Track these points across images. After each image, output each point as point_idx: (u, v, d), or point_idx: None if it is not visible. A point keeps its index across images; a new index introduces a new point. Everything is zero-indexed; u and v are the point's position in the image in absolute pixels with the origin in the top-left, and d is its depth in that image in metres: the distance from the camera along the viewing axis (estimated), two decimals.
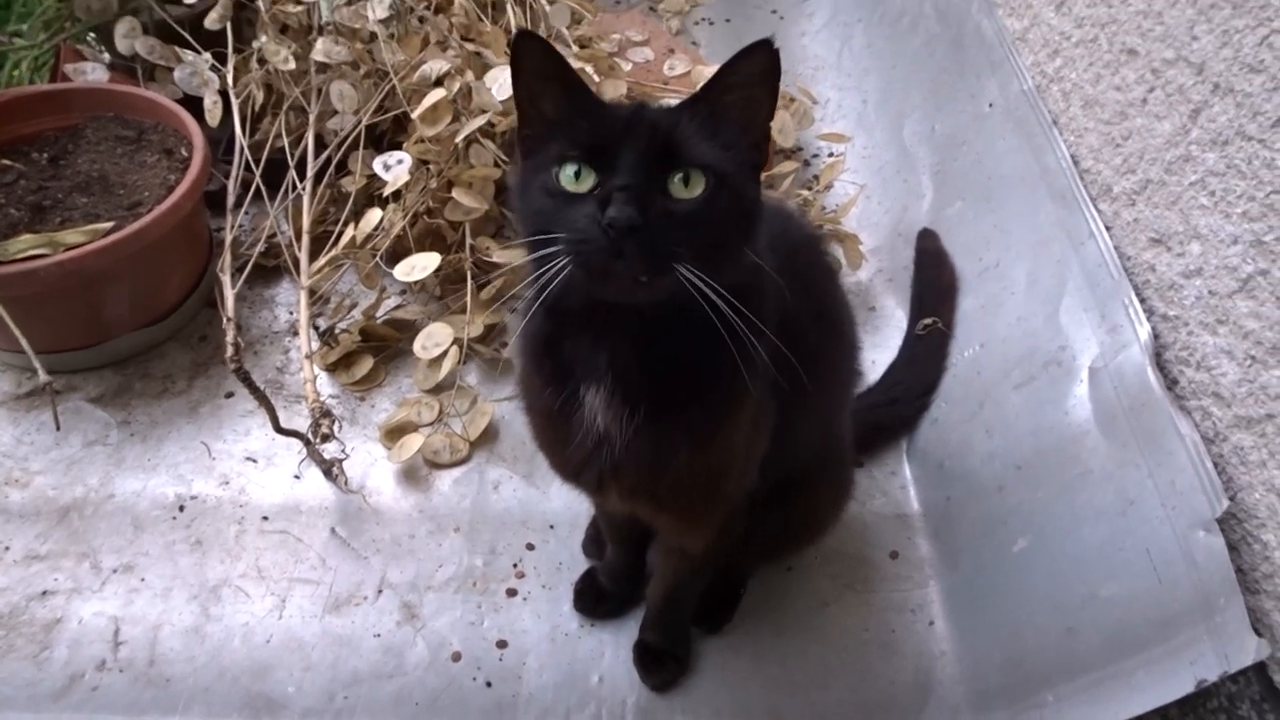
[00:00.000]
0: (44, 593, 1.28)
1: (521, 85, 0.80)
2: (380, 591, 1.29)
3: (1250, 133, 1.02)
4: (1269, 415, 0.98)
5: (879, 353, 1.55)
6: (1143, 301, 1.19)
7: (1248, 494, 1.02)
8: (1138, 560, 1.05)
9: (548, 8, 1.78)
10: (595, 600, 1.27)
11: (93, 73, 1.69)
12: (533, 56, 0.78)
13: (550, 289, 0.75)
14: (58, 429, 1.38)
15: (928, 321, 1.46)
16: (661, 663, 1.21)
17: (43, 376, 1.20)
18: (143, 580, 1.29)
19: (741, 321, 0.74)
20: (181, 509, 1.38)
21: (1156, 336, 1.16)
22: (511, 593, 1.30)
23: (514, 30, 1.71)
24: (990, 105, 1.59)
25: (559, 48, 1.74)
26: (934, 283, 1.52)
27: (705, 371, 0.81)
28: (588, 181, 0.75)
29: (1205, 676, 0.94)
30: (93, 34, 1.79)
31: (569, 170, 0.76)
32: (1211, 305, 1.07)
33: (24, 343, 1.25)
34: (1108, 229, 1.27)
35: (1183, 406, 1.11)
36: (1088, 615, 1.09)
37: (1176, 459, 1.04)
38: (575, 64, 1.68)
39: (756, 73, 0.77)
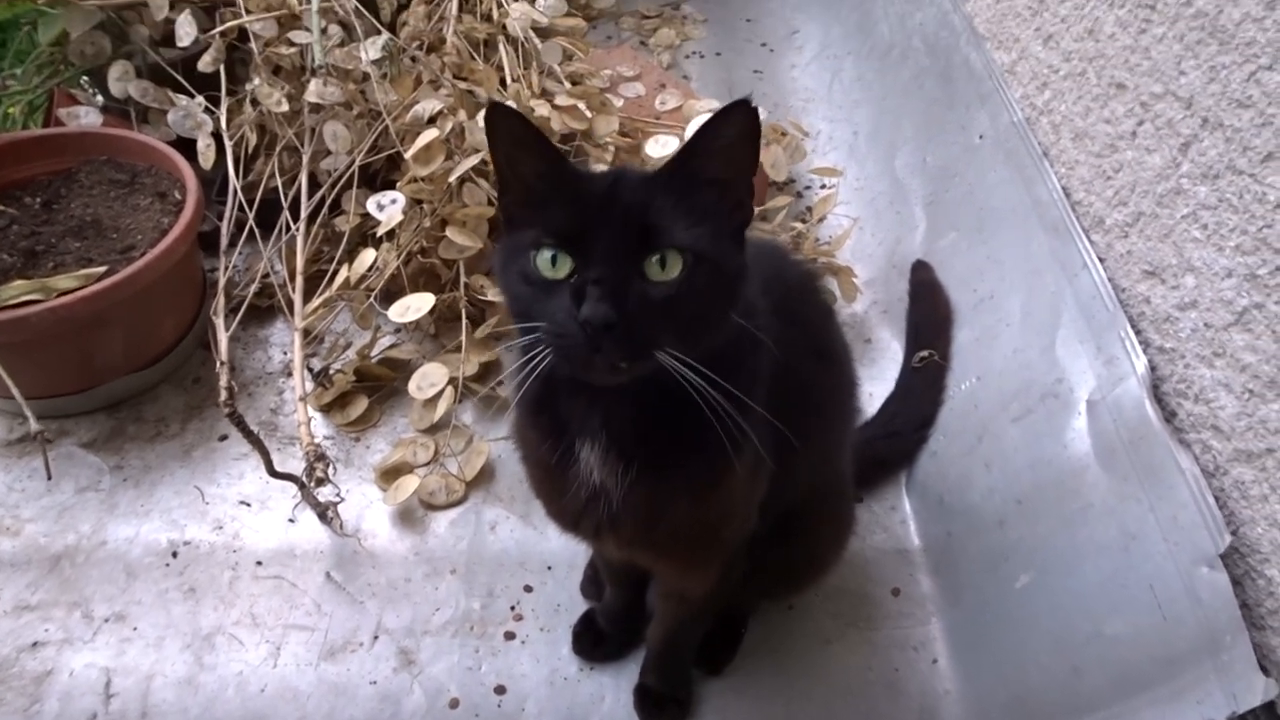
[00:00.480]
0: (34, 644, 1.26)
1: (499, 153, 0.80)
2: (376, 637, 1.27)
3: (1240, 167, 1.02)
4: (1269, 449, 0.98)
5: (875, 385, 1.55)
6: (1138, 333, 1.18)
7: (1250, 529, 1.01)
8: (1141, 596, 1.04)
9: (539, 45, 1.79)
10: (594, 643, 1.25)
11: (86, 116, 1.69)
12: (506, 127, 0.77)
13: (537, 368, 0.75)
14: (49, 478, 1.37)
15: (924, 354, 1.46)
16: (662, 706, 1.19)
17: (34, 425, 1.19)
18: (135, 629, 1.28)
19: (727, 389, 0.75)
20: (174, 555, 1.36)
21: (1153, 369, 1.15)
22: (510, 636, 1.28)
23: (506, 69, 1.72)
24: (981, 137, 1.59)
25: (551, 85, 1.75)
26: (929, 315, 1.51)
27: (699, 430, 0.81)
28: (564, 268, 0.75)
29: (1213, 717, 0.93)
30: (86, 77, 1.79)
31: (545, 256, 0.75)
32: (1208, 338, 1.07)
33: (14, 391, 1.25)
34: (1101, 261, 1.27)
35: (1182, 440, 1.11)
36: (1092, 653, 1.08)
37: (1178, 493, 1.03)
38: (568, 101, 1.69)
39: (735, 134, 0.76)
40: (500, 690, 1.22)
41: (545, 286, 0.75)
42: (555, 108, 1.67)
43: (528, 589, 1.33)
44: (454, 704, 1.20)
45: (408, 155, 1.52)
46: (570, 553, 1.35)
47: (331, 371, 1.52)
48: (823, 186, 1.92)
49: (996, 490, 1.29)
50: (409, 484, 1.40)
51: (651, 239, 0.74)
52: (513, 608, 1.31)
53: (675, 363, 0.73)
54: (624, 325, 0.71)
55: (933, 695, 1.22)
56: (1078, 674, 1.09)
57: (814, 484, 1.10)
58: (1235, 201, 1.03)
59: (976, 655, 1.23)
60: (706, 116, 1.62)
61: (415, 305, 1.45)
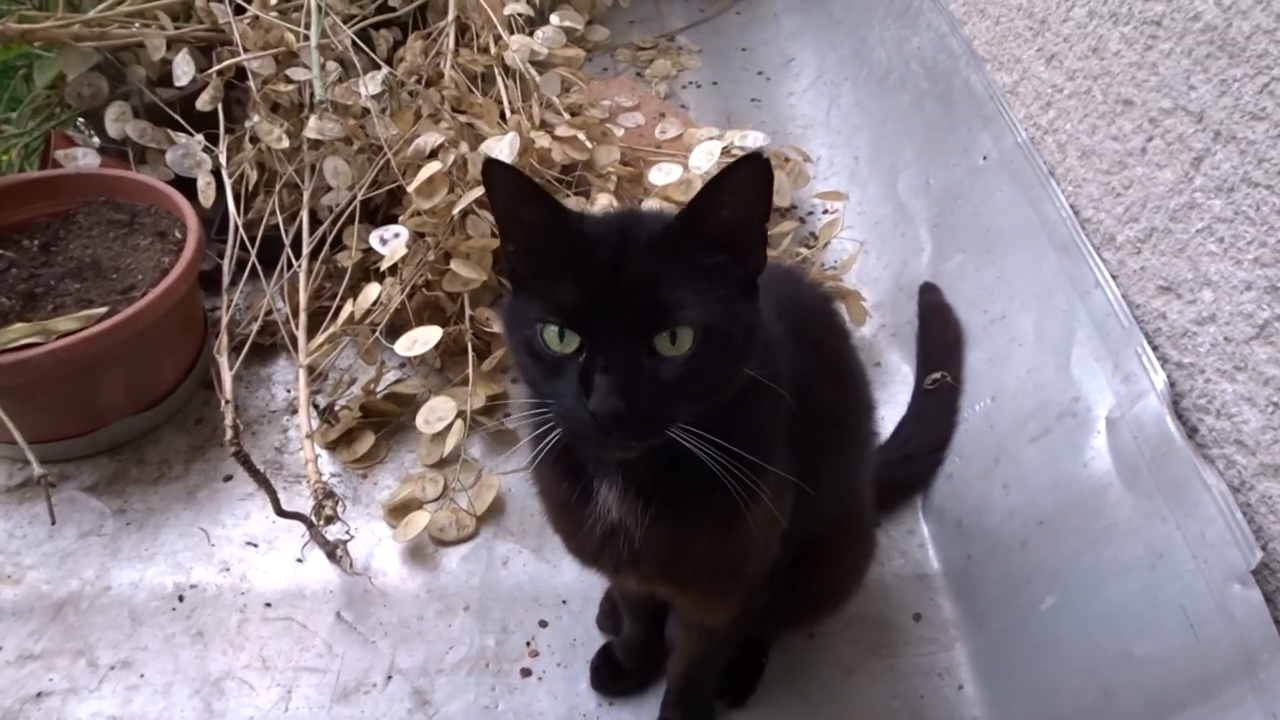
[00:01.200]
0: (39, 694, 1.23)
1: (498, 208, 0.78)
2: (390, 678, 1.25)
3: (1256, 179, 1.02)
4: None
5: (887, 409, 1.53)
6: (1155, 349, 1.17)
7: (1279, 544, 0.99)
8: (1172, 616, 1.02)
9: (538, 78, 1.79)
10: (613, 678, 1.23)
11: (84, 158, 1.68)
12: (503, 181, 0.75)
13: (549, 436, 0.76)
14: (53, 523, 1.34)
15: (936, 376, 1.45)
16: None
17: (37, 470, 1.17)
18: (142, 676, 1.25)
19: (742, 450, 0.74)
20: (181, 599, 1.33)
21: (1173, 384, 1.14)
22: (526, 673, 1.25)
23: (505, 101, 1.72)
24: (984, 158, 1.59)
25: (551, 116, 1.75)
26: (939, 337, 1.51)
27: (715, 476, 0.79)
28: (572, 344, 0.73)
29: None
30: (83, 119, 1.79)
31: (552, 331, 0.74)
32: (1228, 352, 1.06)
33: (17, 435, 1.22)
34: (1114, 278, 1.27)
35: (1205, 455, 1.09)
36: (1123, 675, 1.06)
37: (1204, 510, 1.02)
38: (568, 131, 1.69)
39: (747, 185, 0.73)
40: None
41: (554, 363, 0.74)
42: (556, 139, 1.67)
43: (543, 624, 1.30)
44: None
45: (410, 189, 1.52)
46: (585, 586, 1.33)
47: (337, 408, 1.50)
48: (825, 211, 1.92)
49: (1016, 512, 1.27)
50: (419, 520, 1.38)
51: (662, 316, 0.72)
52: (528, 644, 1.28)
53: (687, 435, 0.73)
54: (633, 416, 0.71)
55: None
56: (1109, 697, 1.06)
57: (835, 510, 1.09)
58: (1252, 214, 1.03)
59: (1003, 680, 1.20)
60: (710, 144, 1.63)
61: (422, 339, 1.44)
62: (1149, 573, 1.07)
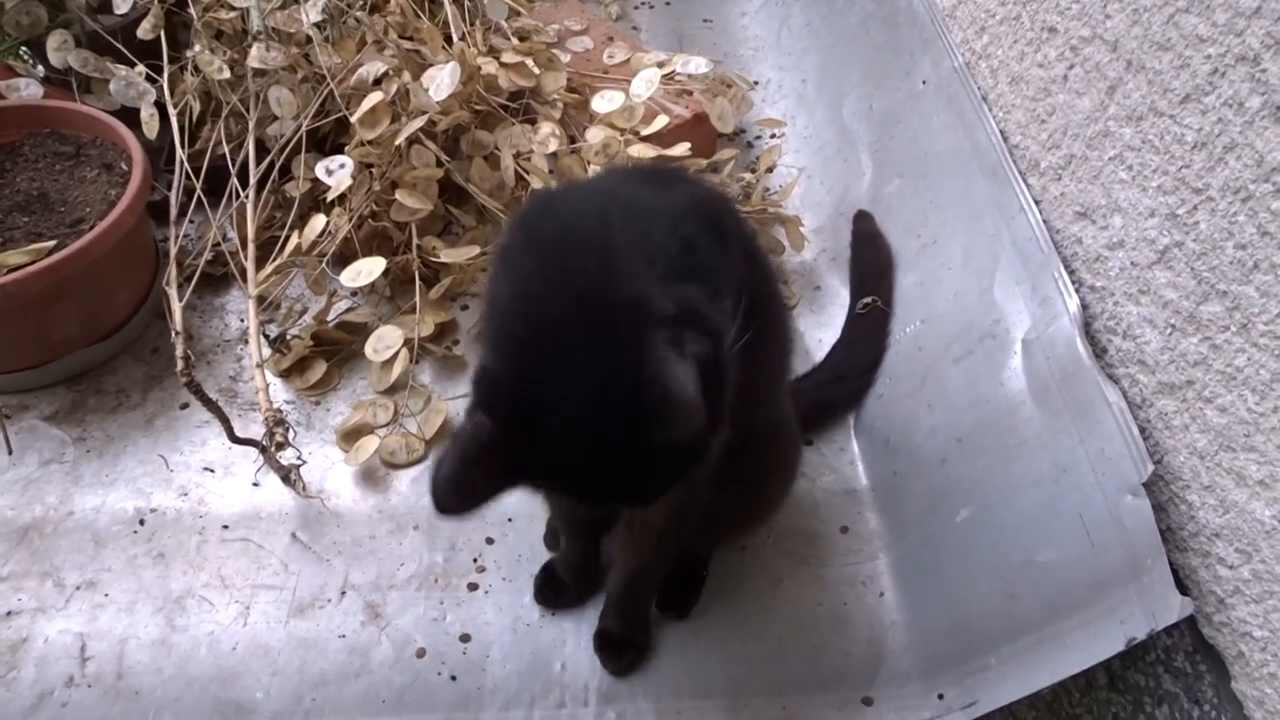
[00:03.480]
0: (8, 613, 1.28)
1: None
2: (343, 593, 1.31)
3: (1161, 109, 1.05)
4: (1188, 381, 1.02)
5: (825, 331, 1.58)
6: (1071, 273, 1.23)
7: (1173, 457, 1.06)
8: (1071, 526, 1.09)
9: (485, 1, 1.78)
10: (555, 592, 1.29)
11: (27, 89, 1.67)
12: None
13: None
14: (10, 453, 1.38)
15: (867, 300, 1.50)
16: (622, 649, 1.23)
17: None
18: (106, 596, 1.30)
19: None
20: (142, 523, 1.38)
21: (1085, 307, 1.20)
22: (473, 587, 1.32)
23: (451, 26, 1.71)
24: (924, 83, 1.62)
25: (498, 41, 1.75)
26: (871, 263, 1.55)
27: None
28: None
29: (1135, 635, 0.98)
30: (25, 49, 1.77)
31: None
32: (1134, 276, 1.11)
33: None
34: (1037, 203, 1.31)
35: (1111, 375, 1.15)
36: (1026, 580, 1.14)
37: (1105, 426, 1.08)
38: (514, 57, 1.69)
39: None
40: (465, 638, 1.26)
41: None
42: (502, 65, 1.67)
43: (489, 541, 1.37)
44: (420, 653, 1.24)
45: (354, 119, 1.53)
46: (530, 505, 1.39)
47: (289, 337, 1.53)
48: (773, 136, 1.94)
49: (939, 430, 1.34)
50: (370, 444, 1.42)
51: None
52: (475, 560, 1.35)
53: None
54: None
55: (879, 626, 1.27)
56: (1013, 600, 1.14)
57: (767, 413, 1.13)
58: (1157, 142, 1.06)
59: (920, 587, 1.28)
60: (650, 71, 1.63)
61: (366, 269, 1.47)
62: (1054, 486, 1.14)
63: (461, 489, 0.79)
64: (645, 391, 0.71)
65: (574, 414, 0.74)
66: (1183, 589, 1.01)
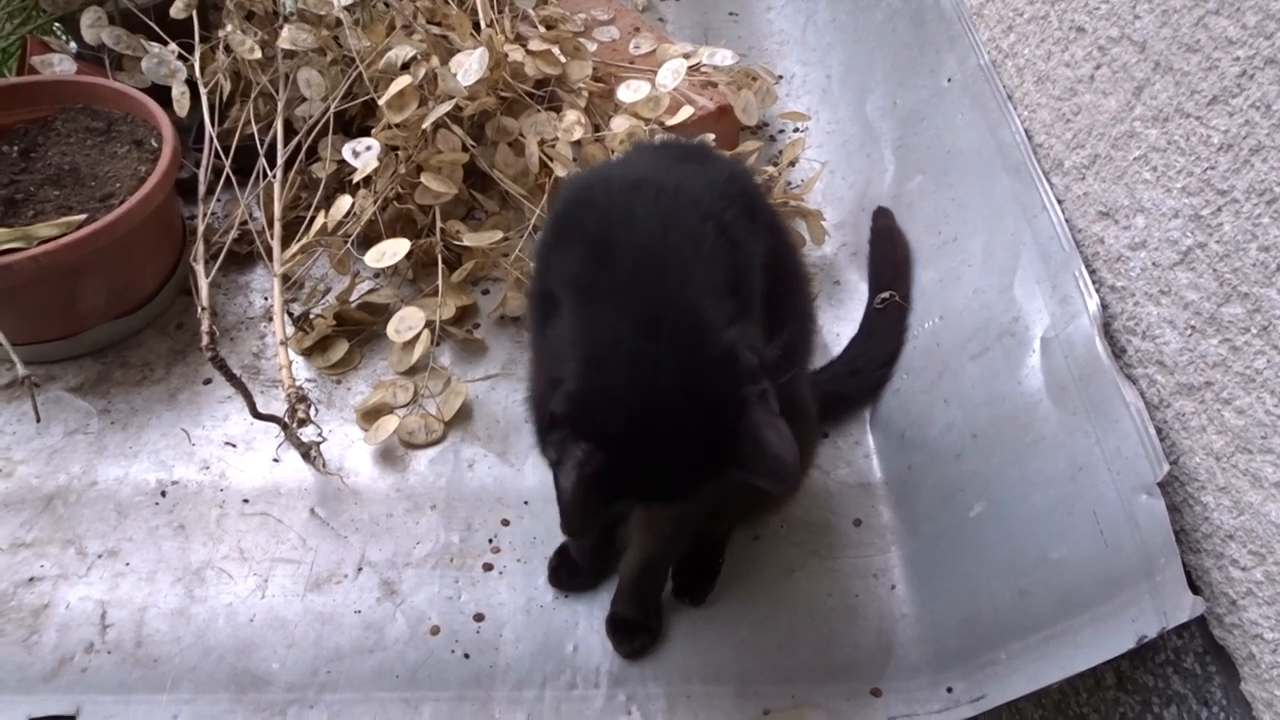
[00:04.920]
0: (31, 579, 1.31)
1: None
2: (360, 569, 1.33)
3: (1188, 110, 1.05)
4: (1207, 383, 1.03)
5: (844, 325, 1.59)
6: (1092, 273, 1.23)
7: (1189, 458, 1.06)
8: (1085, 523, 1.10)
9: None
10: (569, 575, 1.31)
11: (60, 64, 1.69)
12: None
13: None
14: (38, 420, 1.40)
15: (885, 295, 1.50)
16: (634, 633, 1.25)
17: (21, 370, 1.22)
18: (128, 565, 1.33)
19: None
20: (163, 494, 1.41)
21: (1105, 307, 1.20)
22: (488, 567, 1.33)
23: (480, 13, 1.72)
24: (949, 80, 1.62)
25: (526, 29, 1.76)
26: (890, 258, 1.55)
27: None
28: None
29: (1146, 633, 0.99)
30: (59, 25, 1.79)
31: None
32: (1155, 276, 1.12)
33: (0, 337, 1.28)
34: (1059, 202, 1.31)
35: (1129, 375, 1.16)
36: (1039, 577, 1.14)
37: (1122, 426, 1.09)
38: (541, 45, 1.70)
39: None
40: (479, 618, 1.28)
41: None
42: (529, 53, 1.68)
43: (505, 523, 1.38)
44: (435, 631, 1.26)
45: (381, 102, 1.54)
46: (546, 488, 1.37)
47: (312, 316, 1.55)
48: (796, 130, 1.94)
49: (955, 425, 1.34)
50: (389, 424, 1.44)
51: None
52: (490, 540, 1.36)
53: None
54: None
55: (890, 618, 1.28)
56: (1024, 596, 1.15)
57: (783, 400, 1.14)
58: (1183, 144, 1.07)
59: (932, 581, 1.29)
60: (677, 61, 1.64)
61: (391, 250, 1.48)
62: (1069, 483, 1.14)
63: (588, 512, 0.85)
64: (741, 443, 0.81)
65: (668, 441, 0.83)
66: (1195, 590, 1.01)
